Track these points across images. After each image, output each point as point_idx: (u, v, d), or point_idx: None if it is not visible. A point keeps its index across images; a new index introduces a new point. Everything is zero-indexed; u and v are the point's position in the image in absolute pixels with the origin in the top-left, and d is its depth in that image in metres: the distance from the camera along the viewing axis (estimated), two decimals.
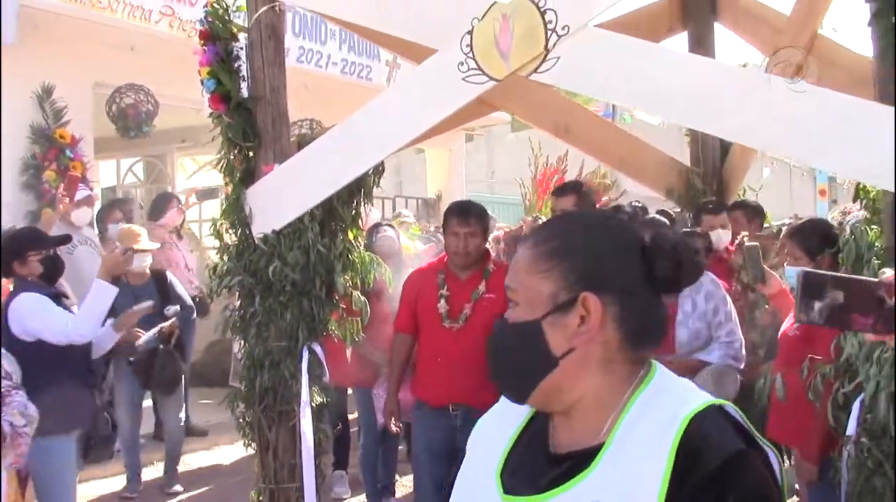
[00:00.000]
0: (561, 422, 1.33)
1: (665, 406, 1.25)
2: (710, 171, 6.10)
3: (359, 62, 9.89)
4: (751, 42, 5.77)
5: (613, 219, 1.38)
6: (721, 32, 6.36)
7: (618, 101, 3.84)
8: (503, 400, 1.40)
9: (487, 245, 6.01)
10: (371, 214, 7.83)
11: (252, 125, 4.77)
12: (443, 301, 4.37)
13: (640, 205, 5.96)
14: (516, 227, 5.66)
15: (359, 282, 4.90)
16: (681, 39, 6.68)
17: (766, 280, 4.14)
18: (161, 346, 5.87)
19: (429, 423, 4.40)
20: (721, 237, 5.28)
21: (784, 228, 6.99)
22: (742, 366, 4.07)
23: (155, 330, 5.74)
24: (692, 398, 1.26)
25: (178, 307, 6.08)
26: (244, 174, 4.81)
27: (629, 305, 1.29)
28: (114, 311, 4.68)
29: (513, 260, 1.37)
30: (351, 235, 5.01)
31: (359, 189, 4.87)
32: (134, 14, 7.22)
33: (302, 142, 4.95)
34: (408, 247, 7.12)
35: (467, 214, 4.49)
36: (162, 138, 10.50)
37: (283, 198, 4.68)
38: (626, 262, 1.30)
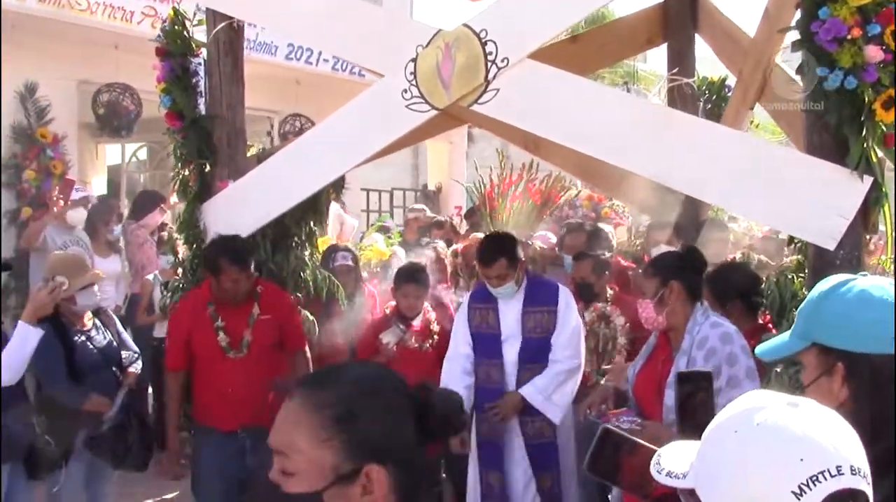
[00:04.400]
0: None
1: None
2: None
3: None
4: (721, 59, 5.70)
5: (389, 380, 1.32)
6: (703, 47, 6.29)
7: (552, 137, 3.80)
8: None
9: (446, 257, 6.02)
10: (347, 223, 7.80)
11: (208, 142, 4.78)
12: (221, 333, 4.23)
13: (592, 223, 5.93)
14: (472, 241, 5.64)
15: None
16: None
17: None
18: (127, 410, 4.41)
19: (218, 448, 4.20)
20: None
21: None
22: None
23: (123, 391, 4.38)
24: None
25: (137, 352, 4.71)
26: (199, 189, 4.83)
27: (404, 470, 1.26)
28: (71, 360, 4.16)
29: (281, 422, 1.27)
30: (307, 253, 5.04)
31: (312, 207, 4.89)
32: (115, 15, 7.26)
33: (261, 158, 4.96)
34: (382, 254, 7.10)
35: (241, 256, 4.30)
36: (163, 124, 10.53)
37: (236, 215, 4.69)
38: (404, 427, 1.28)
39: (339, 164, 4.41)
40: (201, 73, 4.86)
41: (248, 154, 5.00)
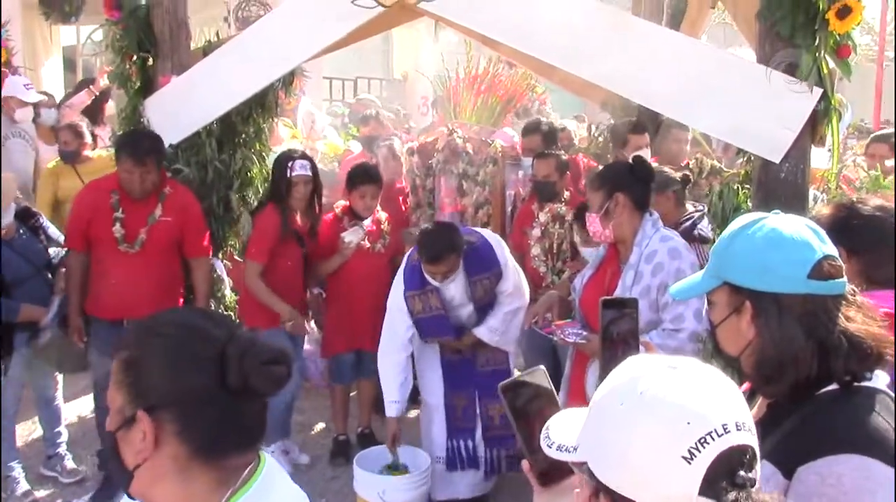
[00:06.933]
0: None
1: None
2: None
3: None
4: None
5: (189, 328, 1.29)
6: None
7: (500, 39, 3.67)
8: None
9: (401, 156, 5.88)
10: (301, 102, 7.61)
11: (148, 33, 4.58)
12: (118, 224, 4.20)
13: (550, 122, 5.78)
14: (431, 140, 5.52)
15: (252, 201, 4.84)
16: None
17: None
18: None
19: (103, 336, 4.17)
20: None
21: None
22: None
23: (57, 297, 4.31)
24: None
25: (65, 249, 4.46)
26: (142, 84, 4.66)
27: (195, 419, 1.24)
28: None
29: None
30: (258, 147, 4.92)
31: (260, 104, 4.75)
32: None
33: (207, 52, 4.76)
34: (336, 148, 6.96)
35: (140, 151, 4.18)
36: None
37: (181, 111, 4.54)
38: (195, 376, 1.24)
39: (286, 61, 4.26)
40: None
41: (193, 47, 4.81)
